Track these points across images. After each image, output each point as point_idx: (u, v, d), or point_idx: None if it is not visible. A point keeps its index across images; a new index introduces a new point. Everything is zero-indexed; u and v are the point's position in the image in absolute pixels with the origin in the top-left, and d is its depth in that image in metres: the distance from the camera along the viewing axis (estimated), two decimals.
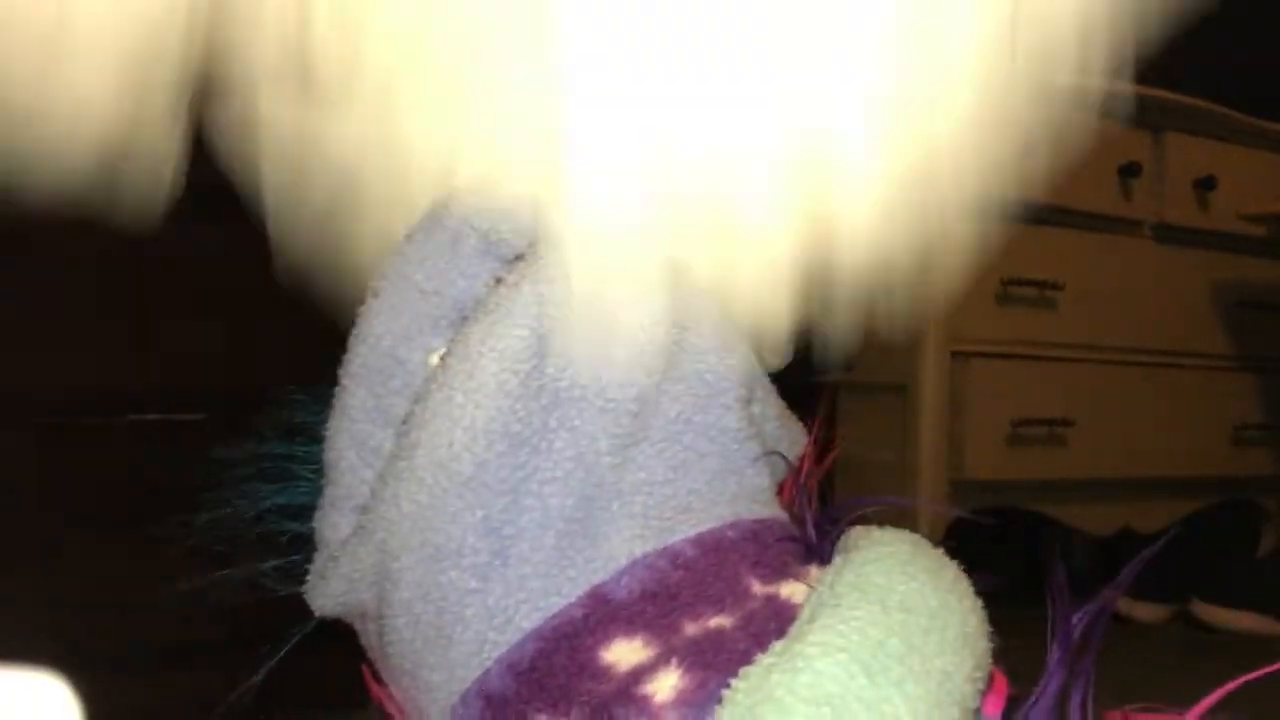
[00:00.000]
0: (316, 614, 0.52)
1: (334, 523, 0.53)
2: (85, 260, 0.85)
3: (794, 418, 0.56)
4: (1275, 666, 0.42)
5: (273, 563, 0.57)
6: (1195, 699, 0.47)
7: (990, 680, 0.42)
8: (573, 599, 0.44)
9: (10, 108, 0.46)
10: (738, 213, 0.47)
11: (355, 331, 0.54)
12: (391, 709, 0.51)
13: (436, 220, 0.50)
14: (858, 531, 0.48)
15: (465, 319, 0.49)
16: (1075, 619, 0.43)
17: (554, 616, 0.44)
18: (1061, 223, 1.48)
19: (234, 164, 0.55)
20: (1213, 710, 0.44)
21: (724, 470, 0.48)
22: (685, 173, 0.46)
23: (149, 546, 0.88)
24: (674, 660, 0.42)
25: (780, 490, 0.53)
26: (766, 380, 0.52)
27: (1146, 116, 1.55)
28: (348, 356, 0.53)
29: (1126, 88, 1.54)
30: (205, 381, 0.90)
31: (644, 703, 0.40)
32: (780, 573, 0.46)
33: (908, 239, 0.47)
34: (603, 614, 0.43)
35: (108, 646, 0.83)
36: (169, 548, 0.89)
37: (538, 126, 0.46)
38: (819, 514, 0.50)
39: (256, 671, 0.90)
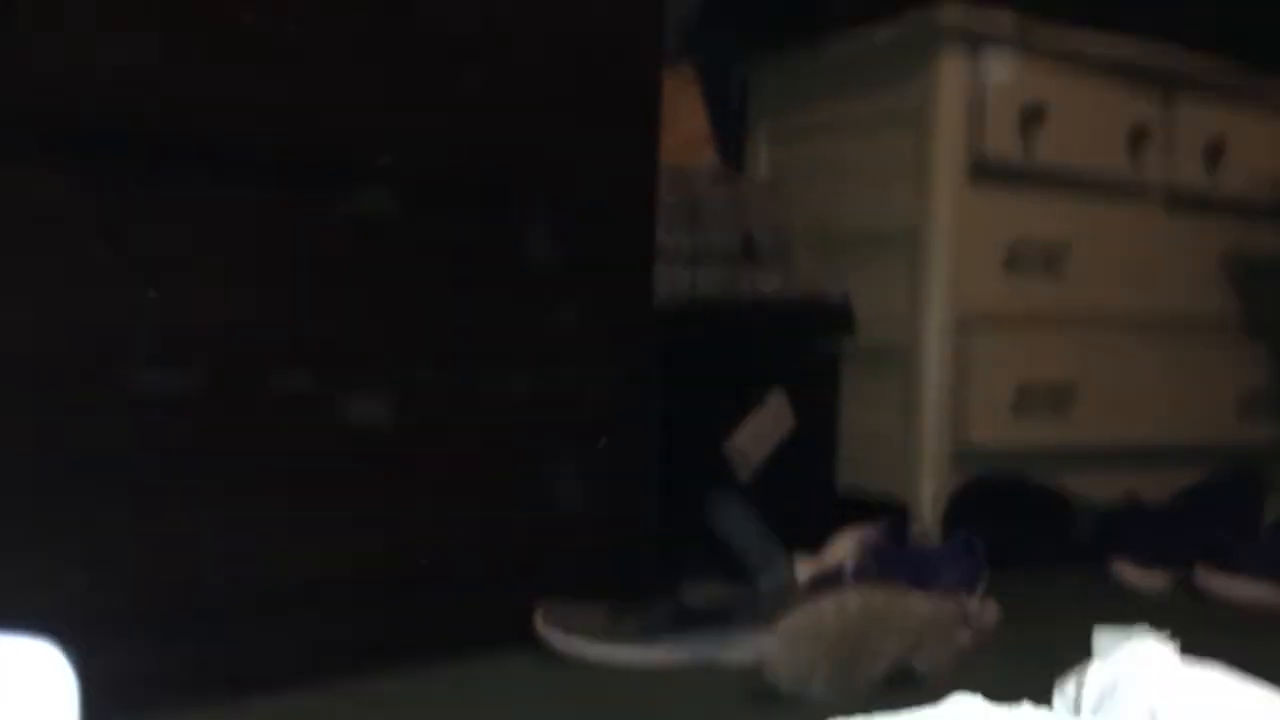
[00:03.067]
0: None
1: None
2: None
3: None
4: None
5: None
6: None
7: None
8: None
9: None
10: None
11: None
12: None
13: None
14: None
15: None
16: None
17: None
18: (1069, 185, 1.46)
19: None
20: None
21: None
22: None
23: (149, 510, 0.88)
24: None
25: None
26: None
27: (1157, 77, 1.53)
28: None
29: (1137, 48, 1.52)
30: (209, 346, 0.89)
31: None
32: None
33: None
34: None
35: (110, 612, 0.83)
36: (169, 513, 0.89)
37: None
38: None
39: (256, 636, 0.91)
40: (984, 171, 1.39)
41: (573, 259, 1.08)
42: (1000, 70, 1.39)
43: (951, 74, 1.37)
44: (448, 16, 1.01)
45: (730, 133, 1.61)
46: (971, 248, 1.38)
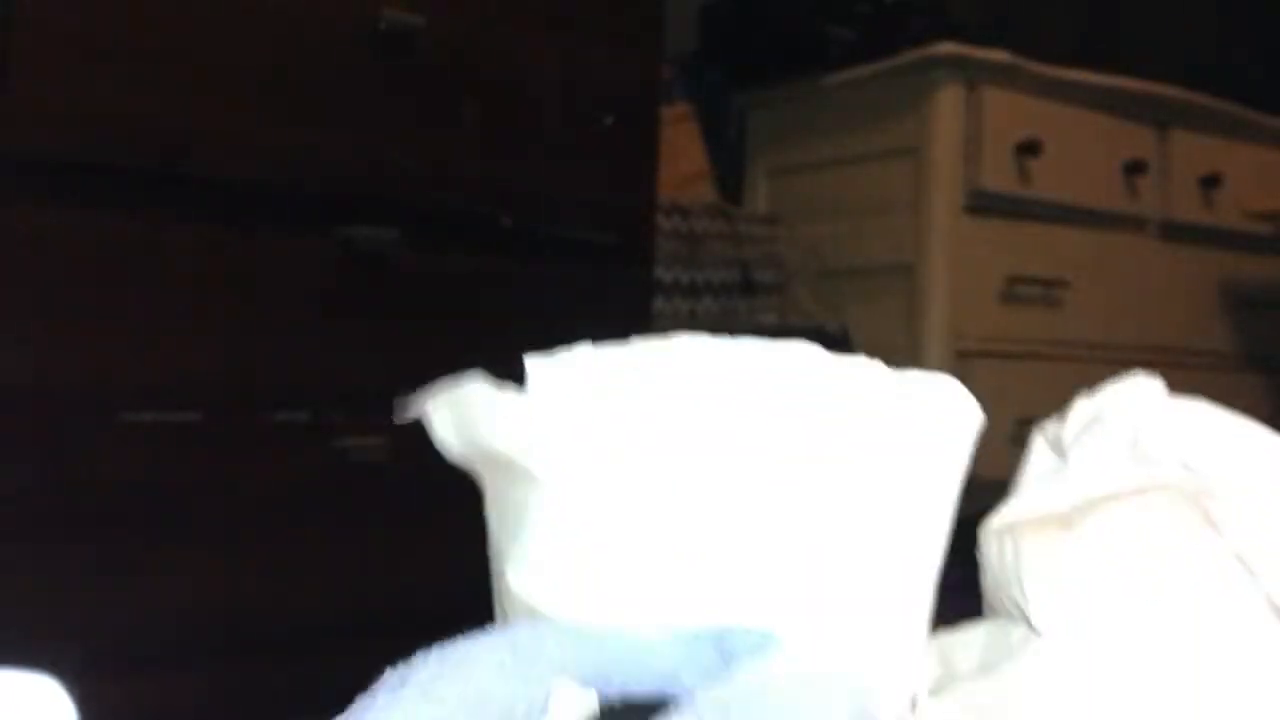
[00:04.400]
0: None
1: None
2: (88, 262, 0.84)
3: None
4: None
5: None
6: None
7: None
8: None
9: None
10: None
11: None
12: None
13: None
14: None
15: None
16: None
17: None
18: (1066, 220, 1.47)
19: None
20: None
21: None
22: None
23: (148, 547, 0.88)
24: None
25: None
26: None
27: (1152, 113, 1.54)
28: None
29: (1131, 84, 1.54)
30: (203, 382, 0.89)
31: None
32: None
33: None
34: None
35: (107, 647, 0.83)
36: (168, 548, 0.89)
37: None
38: None
39: (255, 672, 0.90)
40: (981, 205, 1.40)
41: (571, 294, 1.09)
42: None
43: (948, 109, 1.38)
44: (446, 56, 1.02)
45: (728, 168, 1.62)
46: (969, 281, 1.39)
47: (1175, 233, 1.58)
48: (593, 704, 0.44)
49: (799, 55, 1.54)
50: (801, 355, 0.47)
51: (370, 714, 0.42)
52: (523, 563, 0.51)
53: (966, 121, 1.40)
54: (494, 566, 0.57)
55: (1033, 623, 0.49)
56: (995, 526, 0.53)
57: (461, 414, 0.54)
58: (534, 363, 0.50)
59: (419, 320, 1.01)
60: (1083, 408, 0.57)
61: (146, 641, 0.86)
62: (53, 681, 0.47)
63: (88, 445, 0.84)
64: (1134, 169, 1.53)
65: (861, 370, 0.47)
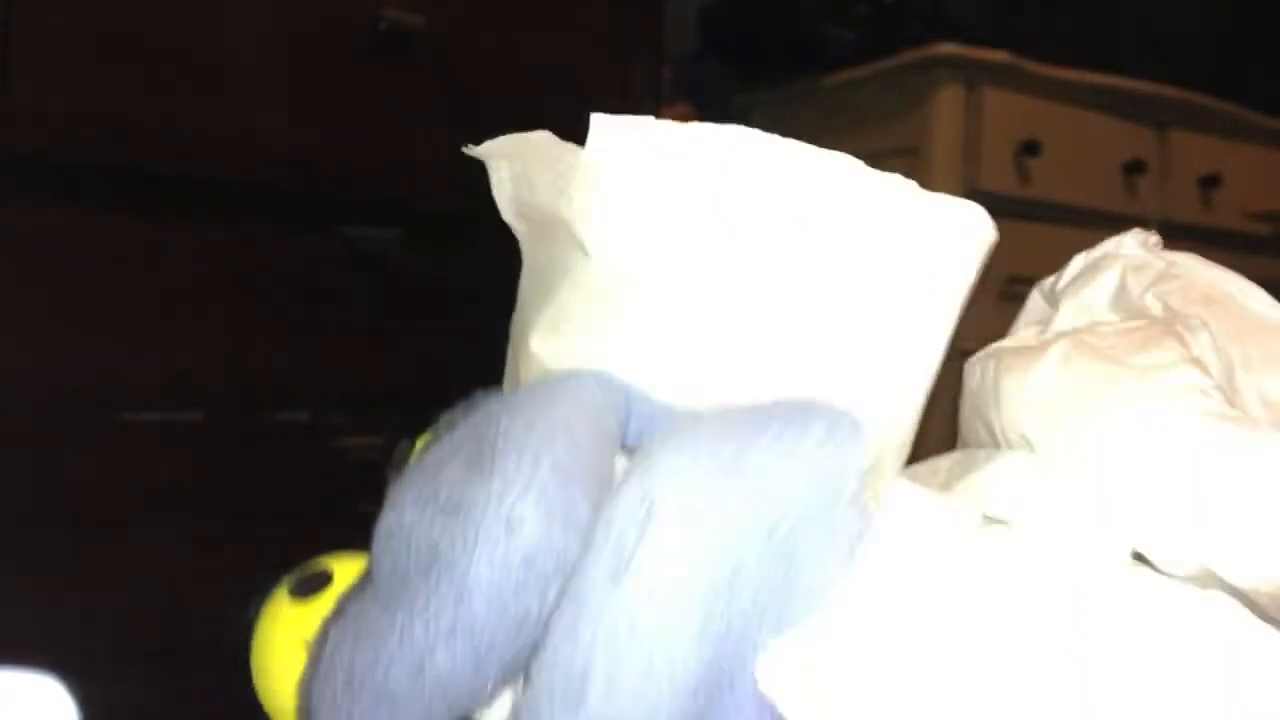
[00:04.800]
0: None
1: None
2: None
3: None
4: None
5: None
6: None
7: None
8: None
9: None
10: None
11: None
12: None
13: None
14: None
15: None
16: None
17: None
18: (1066, 220, 1.47)
19: None
20: None
21: None
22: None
23: (148, 546, 0.88)
24: None
25: None
26: None
27: (1151, 114, 1.54)
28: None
29: (1131, 85, 1.54)
30: (203, 382, 0.89)
31: None
32: None
33: None
34: None
35: (106, 646, 0.83)
36: (170, 547, 0.88)
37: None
38: None
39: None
40: (981, 205, 1.39)
41: None
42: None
43: (948, 109, 1.38)
44: (446, 56, 1.02)
45: None
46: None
47: (1175, 233, 1.57)
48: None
49: (799, 55, 1.54)
50: (843, 163, 0.48)
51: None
52: (552, 327, 0.50)
53: (966, 121, 1.39)
54: (515, 339, 0.57)
55: (1004, 431, 0.50)
56: (978, 356, 0.55)
57: (522, 167, 0.53)
58: (600, 122, 0.49)
59: (419, 320, 1.01)
60: (1076, 261, 0.60)
61: (146, 641, 0.86)
62: (54, 681, 0.47)
63: (88, 445, 0.84)
64: (1134, 169, 1.53)
65: (894, 181, 0.49)
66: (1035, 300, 0.61)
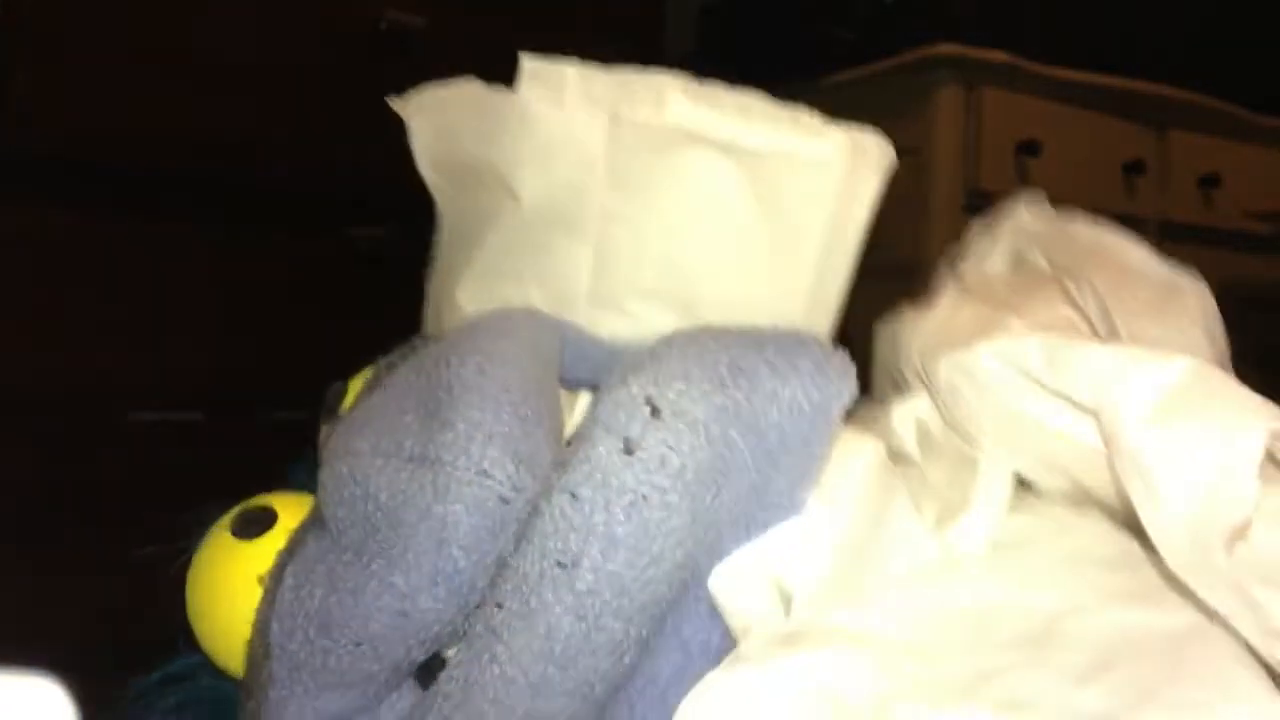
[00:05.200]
0: None
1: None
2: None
3: None
4: None
5: None
6: None
7: None
8: None
9: None
10: None
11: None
12: None
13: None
14: None
15: None
16: None
17: None
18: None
19: None
20: None
21: None
22: None
23: (148, 545, 0.88)
24: None
25: None
26: None
27: (1151, 114, 1.54)
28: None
29: (1130, 85, 1.55)
30: (203, 382, 0.89)
31: None
32: None
33: None
34: None
35: (107, 647, 0.83)
36: (169, 547, 0.88)
37: None
38: None
39: None
40: (981, 205, 1.39)
41: None
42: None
43: (947, 109, 1.38)
44: (446, 56, 1.02)
45: None
46: None
47: (1175, 233, 1.58)
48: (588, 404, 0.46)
49: (799, 55, 1.54)
50: (751, 100, 0.52)
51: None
52: (479, 276, 0.51)
53: (966, 122, 1.39)
54: (435, 296, 0.59)
55: (903, 374, 0.52)
56: (884, 320, 0.59)
57: (444, 120, 0.54)
58: (530, 66, 0.50)
59: (420, 320, 1.01)
60: (976, 227, 0.64)
61: (146, 641, 0.86)
62: (53, 683, 0.47)
63: (89, 445, 0.84)
64: (1133, 169, 1.53)
65: (792, 114, 0.53)
66: (940, 270, 0.65)
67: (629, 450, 0.37)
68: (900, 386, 0.54)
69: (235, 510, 0.48)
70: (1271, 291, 1.65)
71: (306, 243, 0.94)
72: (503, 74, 0.51)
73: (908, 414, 0.49)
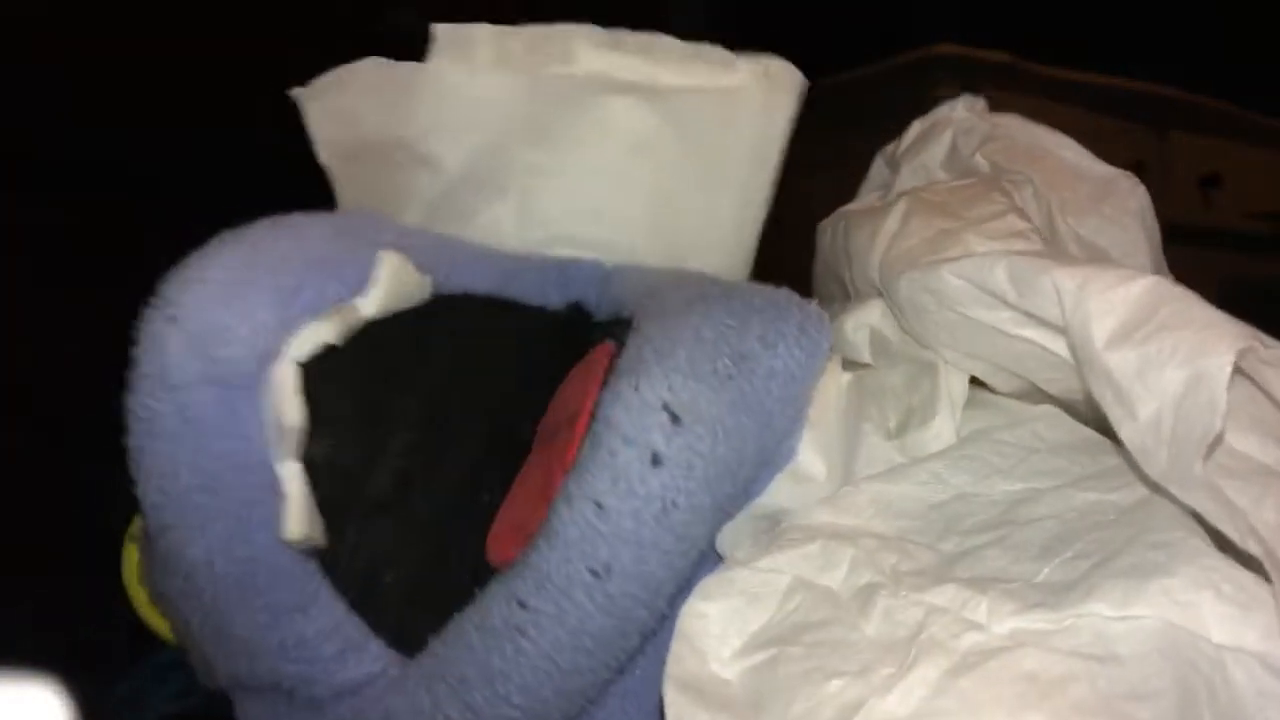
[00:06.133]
0: None
1: None
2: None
3: None
4: None
5: None
6: None
7: None
8: None
9: None
10: None
11: None
12: None
13: None
14: None
15: None
16: None
17: None
18: None
19: None
20: None
21: None
22: None
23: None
24: None
25: None
26: None
27: (1151, 114, 1.54)
28: None
29: (1131, 85, 1.54)
30: None
31: None
32: None
33: None
34: None
35: (109, 647, 0.83)
36: None
37: None
38: None
39: None
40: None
41: None
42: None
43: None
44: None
45: None
46: None
47: (1175, 233, 1.57)
48: (427, 287, 0.46)
49: (799, 55, 1.54)
50: (660, 38, 0.53)
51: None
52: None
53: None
54: None
55: (854, 283, 0.54)
56: (827, 220, 0.61)
57: (343, 103, 0.53)
58: (443, 31, 0.50)
59: None
60: (914, 128, 0.65)
61: (144, 641, 0.86)
62: (52, 685, 0.47)
63: (89, 445, 0.84)
64: (1133, 169, 1.53)
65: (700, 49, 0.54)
66: (878, 166, 0.67)
67: (657, 461, 0.38)
68: (848, 290, 0.56)
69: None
70: (1273, 292, 1.64)
71: None
72: None
73: (861, 323, 0.50)
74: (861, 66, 1.46)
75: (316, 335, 0.42)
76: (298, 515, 0.40)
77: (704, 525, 0.39)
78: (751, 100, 0.53)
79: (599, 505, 0.37)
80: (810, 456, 0.43)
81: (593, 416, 0.40)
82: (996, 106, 1.59)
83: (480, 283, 0.49)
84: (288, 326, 0.41)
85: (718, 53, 0.54)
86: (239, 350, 0.40)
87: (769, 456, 0.42)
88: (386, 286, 0.44)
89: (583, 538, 0.37)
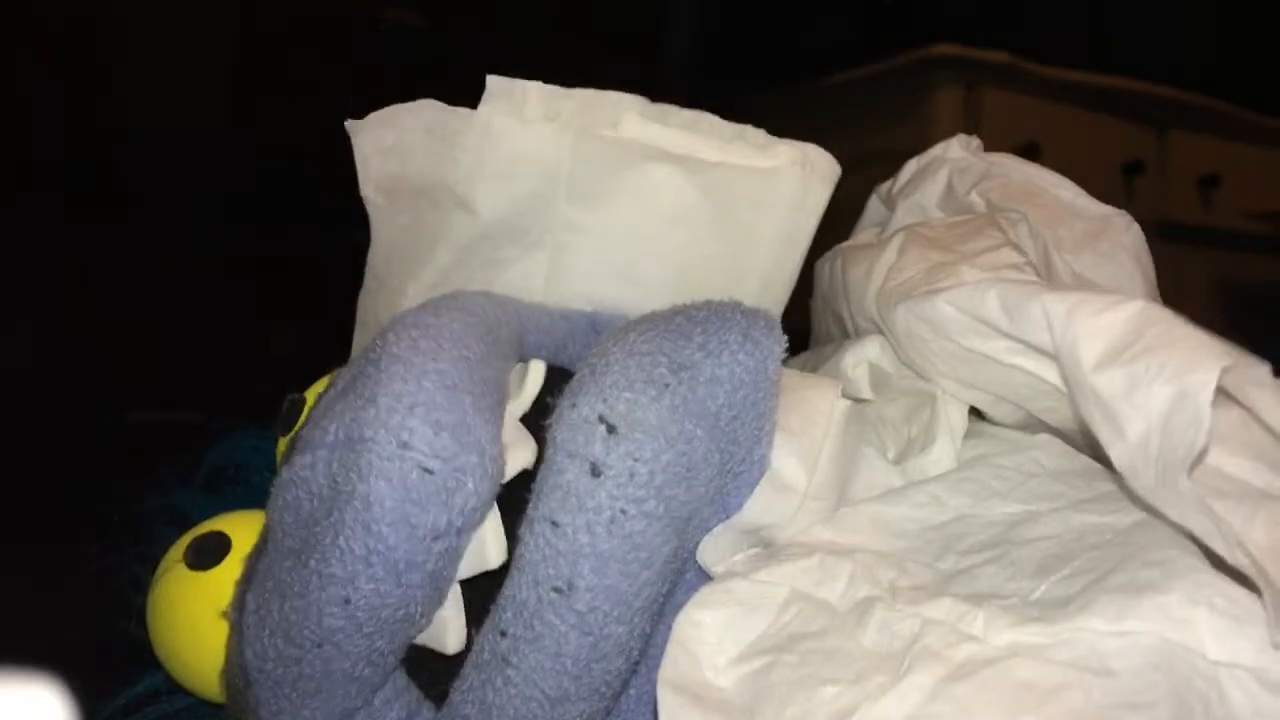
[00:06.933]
0: None
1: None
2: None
3: None
4: None
5: None
6: None
7: None
8: None
9: None
10: None
11: None
12: None
13: None
14: None
15: None
16: None
17: None
18: None
19: None
20: None
21: None
22: None
23: (149, 544, 0.88)
24: None
25: None
26: None
27: (1151, 114, 1.54)
28: None
29: (1130, 85, 1.55)
30: (204, 381, 0.89)
31: None
32: None
33: None
34: None
35: (109, 648, 0.83)
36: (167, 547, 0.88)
37: None
38: None
39: None
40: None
41: None
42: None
43: (947, 110, 1.38)
44: (446, 56, 1.02)
45: None
46: None
47: (1174, 233, 1.58)
48: (541, 372, 0.46)
49: (799, 56, 1.54)
50: (704, 116, 0.54)
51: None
52: (427, 290, 0.52)
53: (966, 122, 1.40)
54: (368, 317, 0.59)
55: (853, 318, 0.54)
56: (825, 257, 0.60)
57: (396, 139, 0.54)
58: (495, 82, 0.51)
59: None
60: (909, 167, 0.65)
61: (146, 641, 0.86)
62: (51, 687, 0.47)
63: (89, 445, 0.84)
64: (1133, 170, 1.53)
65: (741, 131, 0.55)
66: (874, 204, 0.67)
67: (596, 472, 0.38)
68: (846, 327, 0.56)
69: (187, 538, 0.47)
70: (1271, 292, 1.65)
71: (308, 242, 0.95)
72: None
73: (859, 357, 0.51)
74: (862, 66, 1.46)
75: (515, 462, 0.41)
76: (457, 630, 0.41)
77: (661, 534, 0.39)
78: (788, 183, 0.53)
79: (554, 524, 0.38)
80: (788, 464, 0.43)
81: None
82: (997, 106, 1.60)
83: (540, 352, 0.49)
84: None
85: (760, 135, 0.54)
86: (465, 458, 0.39)
87: (733, 465, 0.42)
88: (530, 391, 0.44)
89: (544, 558, 0.38)
